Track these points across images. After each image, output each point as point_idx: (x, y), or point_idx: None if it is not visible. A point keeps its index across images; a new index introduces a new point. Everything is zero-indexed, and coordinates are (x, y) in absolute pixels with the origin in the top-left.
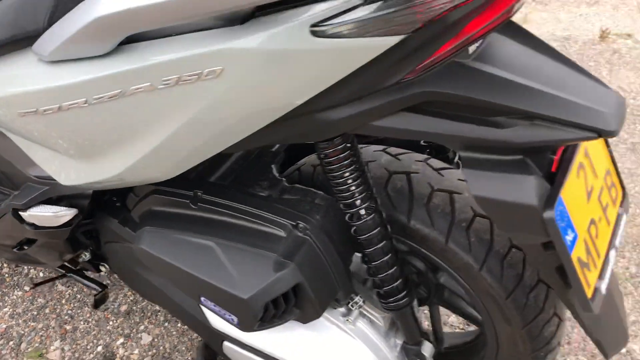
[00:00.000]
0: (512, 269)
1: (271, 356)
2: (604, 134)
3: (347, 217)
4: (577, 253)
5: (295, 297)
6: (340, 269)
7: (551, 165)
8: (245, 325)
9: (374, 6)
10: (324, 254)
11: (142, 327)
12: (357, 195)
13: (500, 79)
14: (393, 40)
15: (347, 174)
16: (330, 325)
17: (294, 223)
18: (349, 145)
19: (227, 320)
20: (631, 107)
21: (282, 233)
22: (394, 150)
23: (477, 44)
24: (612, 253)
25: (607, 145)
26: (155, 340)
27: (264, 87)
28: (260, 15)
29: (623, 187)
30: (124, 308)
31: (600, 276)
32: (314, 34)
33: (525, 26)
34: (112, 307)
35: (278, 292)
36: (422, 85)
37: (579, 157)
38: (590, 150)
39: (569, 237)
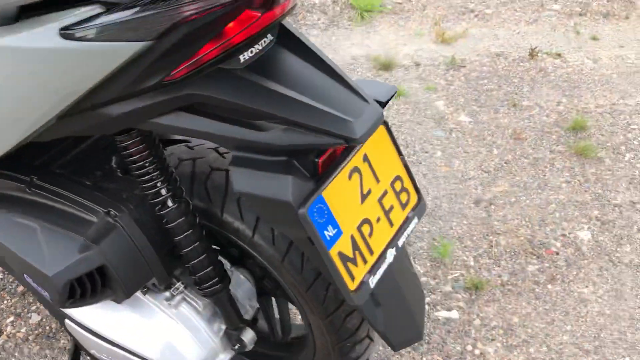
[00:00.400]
0: (311, 263)
1: (100, 334)
2: (349, 141)
3: (156, 208)
4: (340, 248)
5: (101, 278)
6: (153, 256)
7: (317, 168)
8: (56, 301)
9: (117, 14)
10: (133, 240)
11: (34, 308)
12: (159, 185)
13: (263, 88)
14: (137, 46)
15: (147, 165)
16: (155, 308)
17: (105, 210)
18: (145, 138)
19: (45, 297)
20: (542, 124)
21: (93, 218)
22: (224, 149)
23: (250, 54)
24: (391, 252)
25: (400, 153)
26: (44, 320)
27: (31, 83)
28: (26, 18)
29: (418, 193)
30: (20, 289)
31: (371, 271)
32: (63, 36)
33: (462, 41)
34: (10, 287)
35: (81, 272)
36: (189, 87)
37: (353, 162)
38: (374, 157)
39: (328, 233)
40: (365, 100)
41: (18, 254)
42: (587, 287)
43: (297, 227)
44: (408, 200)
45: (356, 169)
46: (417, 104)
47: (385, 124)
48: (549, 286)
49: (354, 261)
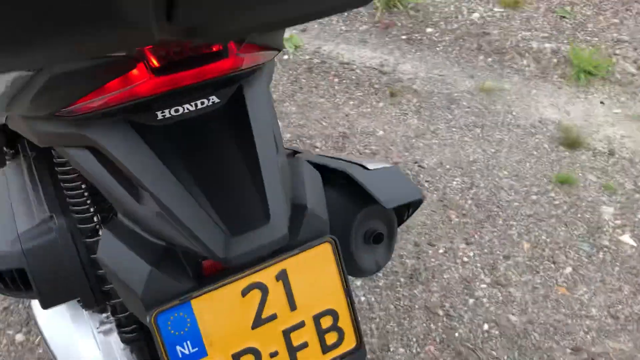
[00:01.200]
0: None
1: (40, 327)
2: (214, 259)
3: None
4: None
5: (22, 280)
6: (82, 277)
7: (201, 270)
8: None
9: None
10: (64, 254)
11: None
12: (91, 211)
13: (153, 158)
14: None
15: (82, 187)
16: (87, 325)
17: (50, 214)
18: None
19: None
20: None
21: (35, 219)
22: None
23: (174, 112)
24: None
25: (345, 282)
26: None
27: None
28: None
29: (358, 339)
30: None
31: None
32: None
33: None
34: None
35: (1, 267)
36: (88, 129)
37: (257, 277)
38: (299, 278)
39: (183, 350)
40: (267, 215)
41: None
42: None
43: (148, 325)
44: (337, 344)
45: (259, 286)
46: (579, 200)
47: (335, 242)
48: None
49: None
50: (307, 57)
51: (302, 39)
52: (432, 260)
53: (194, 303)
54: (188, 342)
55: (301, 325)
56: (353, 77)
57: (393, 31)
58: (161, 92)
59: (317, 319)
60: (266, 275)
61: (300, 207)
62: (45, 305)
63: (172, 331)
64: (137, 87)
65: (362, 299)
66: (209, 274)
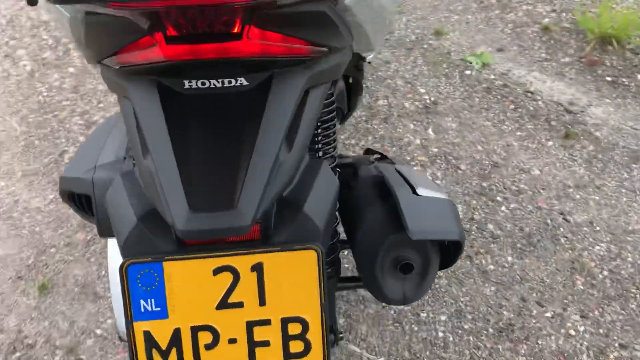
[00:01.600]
0: None
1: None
2: (170, 224)
3: None
4: (152, 329)
5: (87, 204)
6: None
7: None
8: (62, 198)
9: None
10: (123, 197)
11: None
12: None
13: (161, 122)
14: (66, 16)
15: None
16: None
17: (125, 156)
18: None
19: None
20: None
21: (115, 156)
22: None
23: (201, 85)
24: None
25: (322, 296)
26: None
27: None
28: None
29: (326, 357)
30: None
31: None
32: None
33: None
34: None
35: (73, 190)
36: (126, 81)
37: (229, 260)
38: (275, 278)
39: (146, 305)
40: (234, 202)
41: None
42: None
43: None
44: (301, 354)
45: (232, 270)
46: None
47: (321, 252)
48: None
49: (164, 355)
50: (492, 77)
51: (494, 58)
52: (534, 320)
53: (166, 265)
54: (152, 300)
55: (267, 322)
56: (531, 108)
57: (599, 70)
58: (182, 60)
59: (285, 322)
60: (242, 261)
61: (295, 207)
62: (101, 234)
63: (140, 285)
64: (157, 50)
65: (440, 334)
66: (190, 243)
